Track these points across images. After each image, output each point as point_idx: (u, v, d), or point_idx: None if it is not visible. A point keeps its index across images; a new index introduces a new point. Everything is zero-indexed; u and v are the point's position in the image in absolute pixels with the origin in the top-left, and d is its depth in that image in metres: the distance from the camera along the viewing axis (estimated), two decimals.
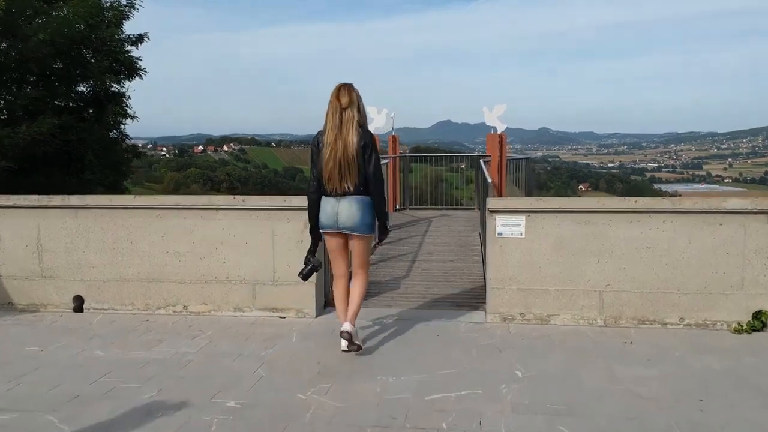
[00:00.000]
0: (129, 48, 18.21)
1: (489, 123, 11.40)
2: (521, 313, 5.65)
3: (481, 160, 10.84)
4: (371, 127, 12.27)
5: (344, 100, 4.61)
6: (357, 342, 4.80)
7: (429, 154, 16.48)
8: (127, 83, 17.47)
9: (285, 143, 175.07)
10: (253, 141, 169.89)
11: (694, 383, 4.24)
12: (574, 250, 5.55)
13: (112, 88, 16.95)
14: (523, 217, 5.56)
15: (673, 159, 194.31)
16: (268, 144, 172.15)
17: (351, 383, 4.30)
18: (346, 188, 4.65)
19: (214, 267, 6.00)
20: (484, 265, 7.45)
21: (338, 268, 5.00)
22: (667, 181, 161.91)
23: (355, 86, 4.71)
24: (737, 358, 4.72)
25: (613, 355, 4.80)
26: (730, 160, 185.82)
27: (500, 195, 10.87)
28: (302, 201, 5.74)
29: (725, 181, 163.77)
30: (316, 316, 5.90)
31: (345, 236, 4.85)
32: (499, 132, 11.21)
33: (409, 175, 14.24)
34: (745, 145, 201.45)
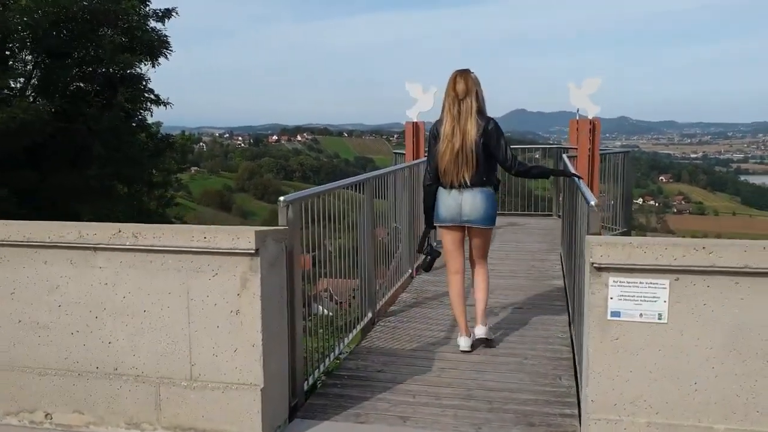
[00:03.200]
0: (155, 24, 16.04)
1: (576, 103, 8.38)
2: None
3: (564, 155, 7.91)
4: (414, 111, 9.65)
5: (460, 88, 4.44)
6: (491, 336, 4.75)
7: None
8: (145, 64, 15.17)
9: (357, 133, 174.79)
10: (325, 131, 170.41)
11: None
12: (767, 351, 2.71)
13: (128, 70, 14.66)
14: (666, 282, 2.74)
15: (761, 150, 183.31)
16: (340, 134, 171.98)
17: None
18: (463, 181, 4.45)
19: (94, 349, 3.40)
20: (572, 342, 4.62)
21: (455, 263, 4.74)
22: (755, 173, 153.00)
23: (473, 72, 4.52)
24: None
25: None
26: None
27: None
28: (233, 242, 3.10)
29: None
30: None
31: (464, 230, 4.65)
32: (590, 116, 8.19)
33: None
34: None
